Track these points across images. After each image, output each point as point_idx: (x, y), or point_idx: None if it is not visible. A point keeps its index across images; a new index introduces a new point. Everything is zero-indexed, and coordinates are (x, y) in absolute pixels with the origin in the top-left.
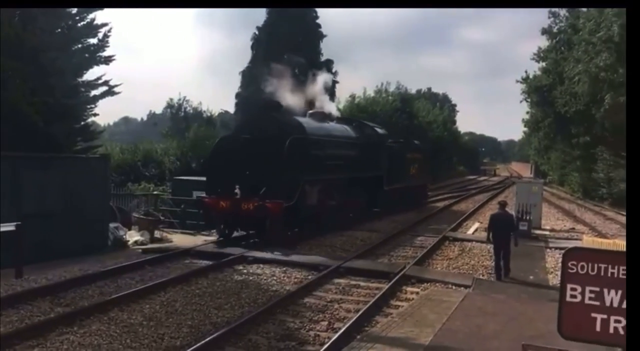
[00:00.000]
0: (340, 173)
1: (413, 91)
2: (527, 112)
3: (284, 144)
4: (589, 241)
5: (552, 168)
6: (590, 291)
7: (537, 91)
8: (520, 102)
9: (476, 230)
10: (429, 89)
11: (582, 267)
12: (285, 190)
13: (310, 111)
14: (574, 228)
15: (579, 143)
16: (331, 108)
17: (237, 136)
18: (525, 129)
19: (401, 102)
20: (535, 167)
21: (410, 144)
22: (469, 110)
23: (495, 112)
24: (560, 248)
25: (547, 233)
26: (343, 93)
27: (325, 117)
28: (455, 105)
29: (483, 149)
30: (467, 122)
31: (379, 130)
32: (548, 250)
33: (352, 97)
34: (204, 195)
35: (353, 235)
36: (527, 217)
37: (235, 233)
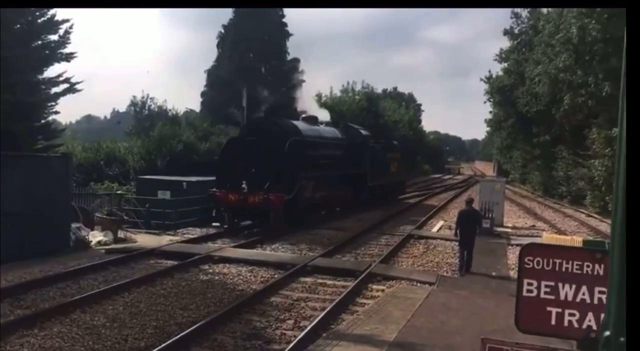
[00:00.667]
0: (331, 170)
1: (379, 90)
2: (490, 112)
3: (284, 145)
4: (548, 238)
5: (514, 167)
6: (546, 286)
7: (500, 91)
8: (484, 102)
9: (440, 227)
10: (395, 89)
11: (538, 262)
12: (286, 185)
13: (303, 115)
14: (534, 226)
15: (539, 143)
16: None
17: (243, 138)
18: (488, 129)
19: (367, 101)
20: (498, 165)
21: (391, 145)
22: (434, 110)
23: (459, 111)
24: (521, 245)
25: (509, 230)
26: (310, 92)
27: (315, 120)
28: (420, 105)
29: (447, 148)
30: (432, 121)
31: (363, 132)
32: (510, 246)
33: (319, 96)
34: (214, 189)
35: (319, 234)
36: (490, 215)
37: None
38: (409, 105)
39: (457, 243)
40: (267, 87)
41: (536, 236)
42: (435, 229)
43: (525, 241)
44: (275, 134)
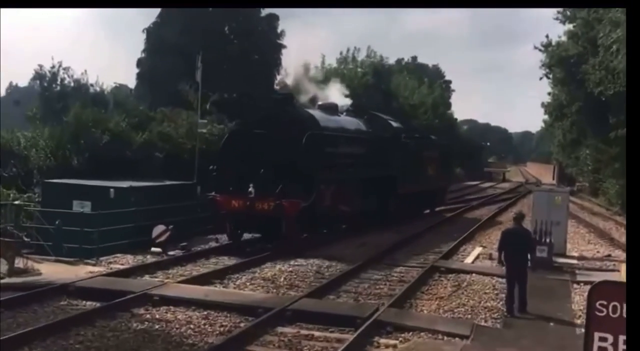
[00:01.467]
0: (354, 172)
1: (391, 61)
2: (549, 94)
3: (300, 140)
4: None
5: (582, 172)
6: (626, 342)
7: (562, 64)
8: (540, 78)
9: (477, 257)
10: (414, 59)
11: (615, 309)
12: (301, 189)
13: (320, 102)
14: (610, 255)
15: (617, 137)
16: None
17: (249, 131)
18: (546, 117)
19: (375, 75)
20: (559, 169)
21: (428, 140)
22: (469, 90)
23: (504, 92)
24: (592, 283)
25: (574, 262)
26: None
27: (335, 109)
28: (449, 83)
29: (488, 144)
30: (466, 106)
31: (394, 124)
32: (575, 285)
33: (305, 67)
34: (213, 194)
35: (305, 264)
36: (548, 240)
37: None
38: (434, 82)
39: (499, 278)
40: (231, 53)
41: (612, 270)
42: (469, 259)
43: (597, 277)
44: (289, 126)
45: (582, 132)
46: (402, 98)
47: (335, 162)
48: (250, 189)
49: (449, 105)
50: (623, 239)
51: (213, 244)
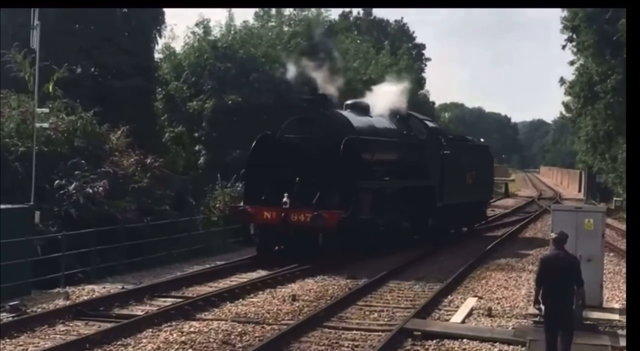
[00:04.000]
0: (391, 181)
1: (334, 15)
2: (572, 64)
3: (338, 145)
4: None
5: (623, 181)
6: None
7: (593, 21)
8: (563, 46)
9: (470, 313)
10: (368, 13)
11: None
12: (338, 199)
13: (348, 102)
14: None
15: None
16: None
17: (280, 135)
18: (568, 99)
19: (309, 37)
20: (587, 178)
21: (466, 141)
22: (452, 60)
23: (507, 64)
24: None
25: (615, 317)
26: (184, 20)
27: (367, 110)
28: (422, 48)
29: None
30: (447, 84)
31: (430, 124)
32: None
33: (205, 26)
34: (241, 204)
35: (206, 331)
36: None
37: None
38: (398, 48)
39: (504, 346)
40: (81, 14)
41: None
42: (458, 317)
43: None
44: (325, 130)
45: (622, 121)
46: (351, 71)
47: (372, 170)
48: (284, 199)
49: (421, 82)
50: None
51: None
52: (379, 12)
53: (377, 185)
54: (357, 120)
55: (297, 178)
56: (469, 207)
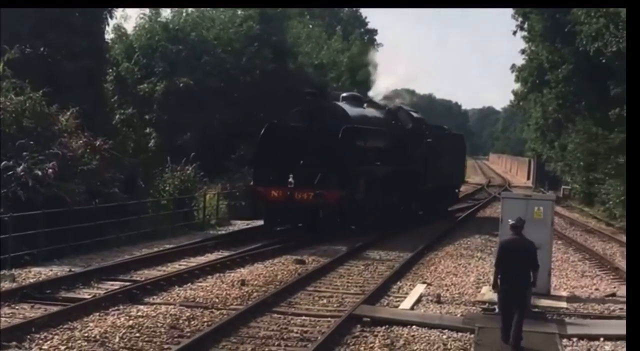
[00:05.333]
0: (382, 166)
1: None
2: (523, 52)
3: (336, 133)
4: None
5: (571, 169)
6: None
7: (543, 9)
8: (514, 32)
9: (419, 300)
10: None
11: None
12: (337, 181)
13: (344, 94)
14: (614, 295)
15: (621, 118)
16: None
17: (285, 124)
18: (518, 86)
19: (261, 22)
20: (536, 165)
21: (444, 130)
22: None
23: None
24: (591, 338)
25: (562, 305)
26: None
27: (360, 101)
28: (374, 33)
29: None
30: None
31: (415, 115)
32: (565, 341)
33: (154, 12)
34: (254, 184)
35: (154, 315)
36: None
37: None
38: (351, 32)
39: (452, 333)
40: None
41: (618, 317)
42: (407, 303)
43: (599, 329)
44: (325, 120)
45: (572, 110)
46: (303, 56)
47: (366, 156)
48: (290, 180)
49: (373, 67)
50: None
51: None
52: None
53: (370, 169)
54: (352, 111)
55: (301, 162)
56: (445, 190)
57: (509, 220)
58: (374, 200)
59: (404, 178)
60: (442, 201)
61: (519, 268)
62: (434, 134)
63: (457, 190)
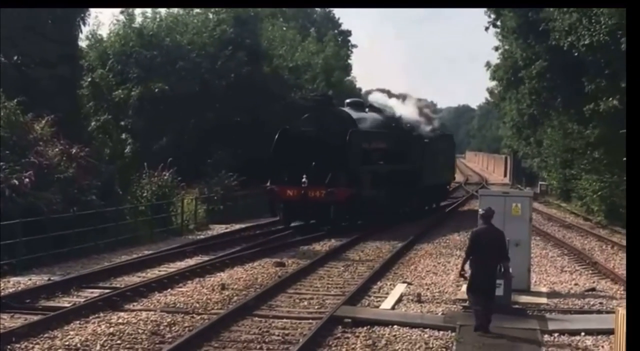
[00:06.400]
0: (385, 165)
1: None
2: (497, 50)
3: (344, 137)
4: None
5: (548, 165)
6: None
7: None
8: (486, 28)
9: (400, 299)
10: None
11: None
12: (346, 180)
13: (348, 100)
14: (594, 290)
15: (597, 112)
16: None
17: (297, 129)
18: (494, 84)
19: (236, 25)
20: (513, 162)
21: (437, 131)
22: (379, 46)
23: (432, 49)
24: (572, 334)
25: (543, 300)
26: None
27: (361, 106)
28: (348, 35)
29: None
30: (374, 70)
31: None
32: (547, 337)
33: (130, 13)
34: (270, 184)
35: (135, 321)
36: (503, 269)
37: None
38: (325, 34)
39: (434, 332)
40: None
41: (599, 311)
42: (387, 303)
43: (579, 324)
44: (333, 124)
45: (547, 106)
46: (278, 59)
47: (371, 156)
48: (303, 179)
49: (348, 69)
50: (611, 263)
51: None
52: None
53: (374, 168)
54: (357, 115)
55: (313, 163)
56: (438, 187)
57: (479, 210)
58: (379, 197)
59: (404, 176)
60: (436, 197)
61: (488, 257)
62: (429, 135)
63: (448, 187)
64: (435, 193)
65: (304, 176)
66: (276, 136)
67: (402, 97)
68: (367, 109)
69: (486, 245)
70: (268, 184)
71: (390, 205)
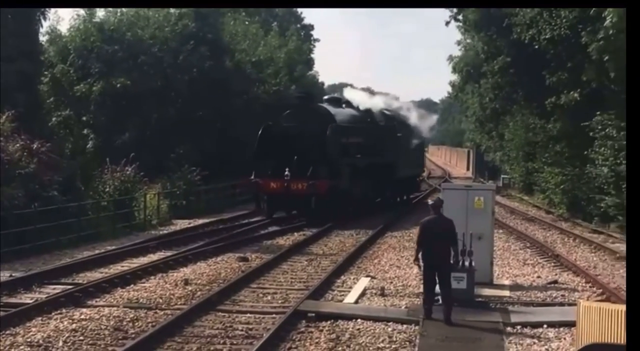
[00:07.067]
0: (362, 159)
1: None
2: (459, 44)
3: (324, 132)
4: (589, 308)
5: (510, 158)
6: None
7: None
8: (447, 23)
9: (364, 293)
10: None
11: None
12: (326, 173)
13: (326, 97)
14: (556, 282)
15: (559, 106)
16: None
17: (279, 125)
18: (455, 78)
19: (197, 19)
20: (475, 156)
21: (409, 126)
22: (341, 40)
23: (394, 43)
24: (534, 326)
25: (505, 293)
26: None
27: (339, 102)
28: (311, 29)
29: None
30: (337, 65)
31: (387, 112)
32: (509, 329)
33: (90, 10)
34: (254, 177)
35: (98, 317)
36: (467, 262)
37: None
38: (287, 28)
39: (397, 325)
40: None
41: (561, 304)
42: (351, 297)
43: (541, 316)
44: (312, 120)
45: (509, 100)
46: (240, 53)
47: (349, 150)
48: (286, 173)
49: (310, 63)
50: (573, 256)
51: None
52: None
53: (352, 161)
54: (335, 111)
55: (295, 157)
56: (410, 179)
57: (428, 201)
58: (357, 189)
59: (380, 169)
60: (409, 189)
61: (439, 246)
62: (402, 130)
63: (418, 179)
64: (407, 185)
65: (287, 169)
66: (259, 132)
67: (368, 91)
68: (344, 105)
69: (437, 235)
70: (252, 177)
71: (367, 197)
